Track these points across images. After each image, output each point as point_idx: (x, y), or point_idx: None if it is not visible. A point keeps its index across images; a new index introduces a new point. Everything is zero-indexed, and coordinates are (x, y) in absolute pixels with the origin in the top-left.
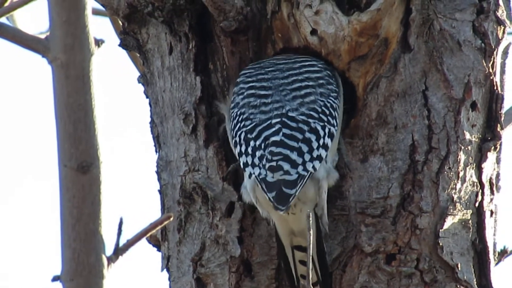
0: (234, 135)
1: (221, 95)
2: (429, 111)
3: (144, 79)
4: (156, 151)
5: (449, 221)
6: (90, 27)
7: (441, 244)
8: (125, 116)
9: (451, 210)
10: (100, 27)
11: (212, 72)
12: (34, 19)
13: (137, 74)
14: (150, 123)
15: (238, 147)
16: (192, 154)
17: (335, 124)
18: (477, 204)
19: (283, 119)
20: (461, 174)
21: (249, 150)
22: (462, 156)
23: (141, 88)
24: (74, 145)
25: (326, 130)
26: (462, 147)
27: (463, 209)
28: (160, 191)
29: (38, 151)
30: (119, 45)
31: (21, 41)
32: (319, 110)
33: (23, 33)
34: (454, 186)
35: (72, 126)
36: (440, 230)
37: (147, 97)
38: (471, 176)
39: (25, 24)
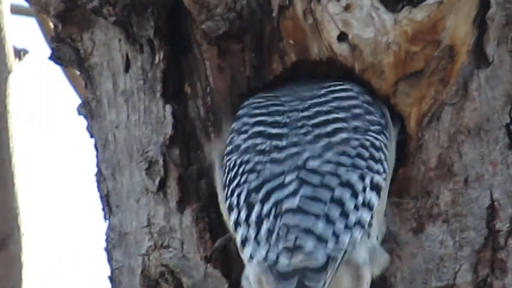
0: (229, 193)
1: (203, 133)
2: None
3: (87, 109)
4: (104, 218)
5: None
6: (8, 31)
7: None
8: (59, 164)
9: None
10: (23, 31)
11: (189, 98)
12: None
13: (77, 101)
14: (96, 175)
15: (235, 212)
16: (159, 222)
17: (382, 170)
18: None
19: (301, 173)
20: None
21: (253, 218)
22: None
23: (82, 121)
24: None
25: (367, 180)
26: None
27: None
28: (110, 278)
29: None
30: (50, 58)
31: None
32: (353, 152)
33: None
34: None
35: None
36: None
37: (91, 136)
38: None
39: None
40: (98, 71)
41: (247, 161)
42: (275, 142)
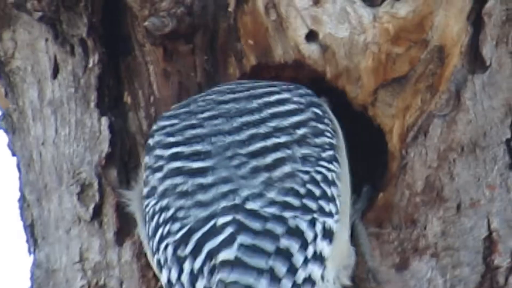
0: (155, 248)
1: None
2: None
3: (8, 122)
4: (29, 252)
5: None
6: None
7: None
8: None
9: None
10: None
11: (129, 110)
12: None
13: None
14: (19, 201)
15: (166, 271)
16: (93, 257)
17: (335, 210)
18: None
19: (238, 215)
20: None
21: (186, 276)
22: None
23: (2, 136)
24: None
25: (319, 227)
26: None
27: None
28: None
29: None
30: None
31: None
32: (302, 190)
33: None
34: None
35: None
36: None
37: (13, 154)
38: None
39: None
40: (21, 76)
41: (167, 207)
42: (198, 180)
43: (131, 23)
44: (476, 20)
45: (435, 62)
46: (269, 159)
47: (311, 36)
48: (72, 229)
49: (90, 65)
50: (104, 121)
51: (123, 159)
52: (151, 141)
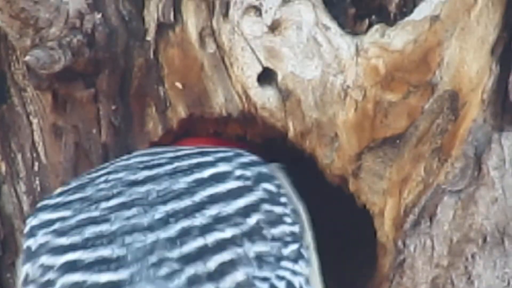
0: None
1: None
2: None
3: None
4: None
5: None
6: None
7: None
8: None
9: None
10: None
11: (4, 182)
12: None
13: None
14: None
15: None
16: None
17: None
18: None
19: None
20: None
21: None
22: None
23: None
24: None
25: None
26: None
27: None
28: None
29: None
30: None
31: None
32: None
33: None
34: None
35: None
36: None
37: None
38: None
39: None
40: None
41: None
42: None
43: (7, 58)
44: (503, 55)
45: (446, 115)
46: (212, 263)
47: (266, 76)
48: None
49: None
50: None
51: None
52: (32, 243)
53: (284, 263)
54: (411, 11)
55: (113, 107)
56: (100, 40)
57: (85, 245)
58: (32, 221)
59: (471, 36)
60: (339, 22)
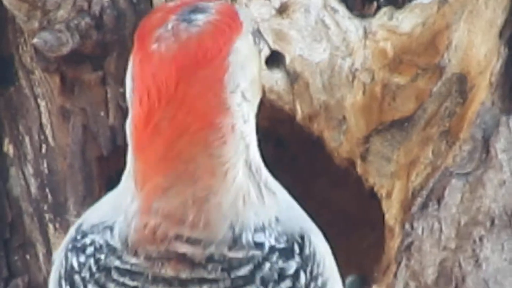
0: None
1: (35, 225)
2: None
3: None
4: None
5: None
6: None
7: None
8: None
9: None
10: None
11: (12, 164)
12: None
13: None
14: None
15: None
16: None
17: None
18: None
19: None
20: None
21: None
22: None
23: None
24: None
25: None
26: None
27: None
28: None
29: None
30: None
31: None
32: None
33: None
34: None
35: None
36: None
37: None
38: None
39: None
40: None
41: None
42: None
43: (14, 41)
44: None
45: (454, 98)
46: None
47: (274, 59)
48: None
49: None
50: None
51: (2, 235)
52: None
53: None
54: None
55: (121, 90)
56: (108, 22)
57: None
58: None
59: (479, 19)
60: (347, 4)
